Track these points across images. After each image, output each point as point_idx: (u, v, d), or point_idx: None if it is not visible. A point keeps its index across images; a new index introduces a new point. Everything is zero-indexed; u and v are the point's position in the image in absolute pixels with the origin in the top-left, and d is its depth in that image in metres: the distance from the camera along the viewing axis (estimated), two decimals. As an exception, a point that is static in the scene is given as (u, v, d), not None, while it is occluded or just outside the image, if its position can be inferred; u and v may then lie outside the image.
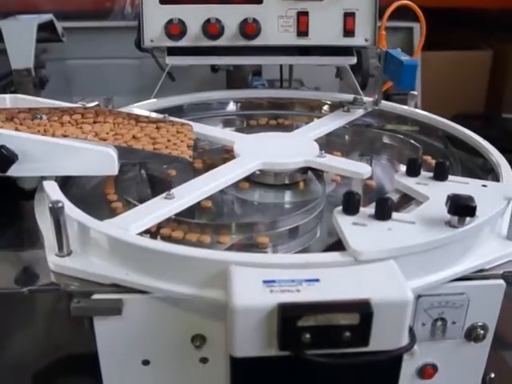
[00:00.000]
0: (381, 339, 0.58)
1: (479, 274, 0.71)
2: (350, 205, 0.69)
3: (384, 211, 0.68)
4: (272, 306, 0.56)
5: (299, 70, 1.45)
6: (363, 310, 0.56)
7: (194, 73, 1.52)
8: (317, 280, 0.60)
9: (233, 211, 0.82)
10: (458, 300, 0.70)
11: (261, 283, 0.59)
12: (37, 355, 0.73)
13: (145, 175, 0.91)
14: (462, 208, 0.67)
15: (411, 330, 0.62)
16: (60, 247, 0.69)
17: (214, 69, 1.55)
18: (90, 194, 0.85)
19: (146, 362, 0.70)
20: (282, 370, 0.60)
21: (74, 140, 0.79)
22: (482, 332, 0.73)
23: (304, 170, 0.87)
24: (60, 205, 0.67)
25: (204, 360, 0.71)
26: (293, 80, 1.42)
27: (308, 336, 0.56)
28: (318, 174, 0.88)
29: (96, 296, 0.66)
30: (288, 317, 0.56)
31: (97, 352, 0.69)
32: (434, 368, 0.75)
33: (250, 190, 0.85)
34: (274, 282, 0.59)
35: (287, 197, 0.85)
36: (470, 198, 0.67)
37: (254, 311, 0.56)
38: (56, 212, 0.67)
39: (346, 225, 0.67)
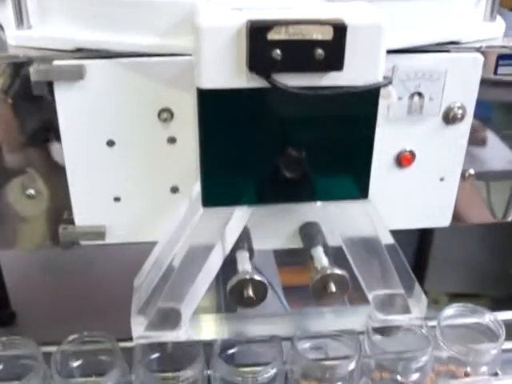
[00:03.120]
0: (355, 67, 0.56)
1: (455, 46, 0.68)
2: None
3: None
4: (240, 23, 0.53)
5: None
6: (337, 24, 0.54)
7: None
8: (289, 8, 0.57)
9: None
10: (434, 72, 0.67)
11: (229, 9, 0.56)
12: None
13: None
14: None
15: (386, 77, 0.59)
16: (19, 21, 0.65)
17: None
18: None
19: (110, 143, 0.67)
20: (251, 104, 0.57)
21: None
22: (459, 112, 0.70)
23: None
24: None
25: (172, 140, 0.68)
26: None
27: (279, 52, 0.53)
28: None
29: (57, 62, 0.63)
30: (257, 28, 0.53)
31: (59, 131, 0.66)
32: (412, 154, 0.72)
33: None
34: (242, 8, 0.56)
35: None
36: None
37: (221, 30, 0.54)
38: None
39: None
